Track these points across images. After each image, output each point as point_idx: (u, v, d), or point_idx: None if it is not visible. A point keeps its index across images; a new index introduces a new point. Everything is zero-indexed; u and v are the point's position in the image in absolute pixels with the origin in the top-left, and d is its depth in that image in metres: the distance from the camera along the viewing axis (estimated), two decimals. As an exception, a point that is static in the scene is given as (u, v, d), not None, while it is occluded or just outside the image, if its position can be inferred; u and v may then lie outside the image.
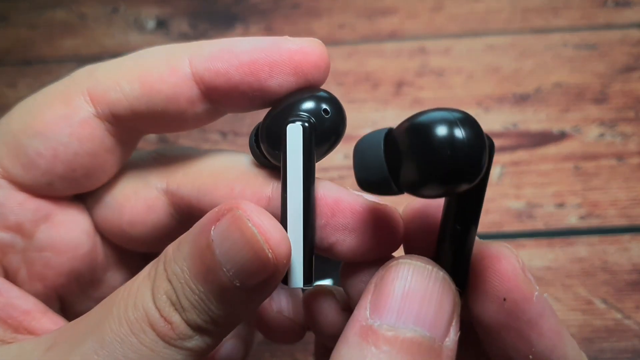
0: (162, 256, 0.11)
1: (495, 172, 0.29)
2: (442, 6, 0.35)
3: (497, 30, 0.34)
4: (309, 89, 0.13)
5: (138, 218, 0.14)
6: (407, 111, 0.31)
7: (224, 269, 0.10)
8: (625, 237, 0.26)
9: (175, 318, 0.11)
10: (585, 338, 0.24)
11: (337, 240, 0.12)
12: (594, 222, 0.27)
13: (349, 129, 0.34)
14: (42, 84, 0.37)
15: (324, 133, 0.13)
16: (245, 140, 0.31)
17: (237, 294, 0.11)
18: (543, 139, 0.29)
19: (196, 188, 0.13)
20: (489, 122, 0.30)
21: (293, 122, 0.13)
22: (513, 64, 0.32)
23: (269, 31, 0.35)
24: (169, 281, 0.11)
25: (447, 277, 0.10)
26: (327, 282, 0.24)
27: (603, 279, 0.25)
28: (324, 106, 0.13)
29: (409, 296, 0.10)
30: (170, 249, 0.11)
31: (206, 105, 0.14)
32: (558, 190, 0.28)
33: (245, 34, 0.35)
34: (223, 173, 0.14)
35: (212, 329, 0.11)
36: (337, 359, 0.10)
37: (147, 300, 0.11)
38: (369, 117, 0.31)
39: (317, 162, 0.13)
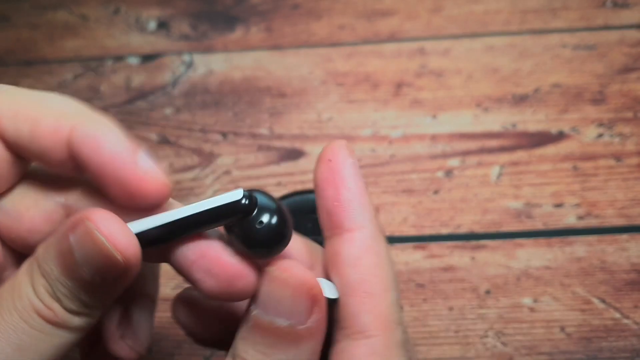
0: (35, 255, 0.13)
1: (494, 172, 0.29)
2: (442, 7, 0.35)
3: (496, 31, 0.34)
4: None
5: (37, 227, 0.14)
6: (406, 111, 0.31)
7: (84, 269, 0.13)
8: (624, 236, 0.26)
9: (55, 306, 0.13)
10: (583, 337, 0.24)
11: (200, 279, 0.13)
12: (592, 222, 0.27)
13: (348, 130, 0.34)
14: (44, 85, 0.38)
15: (257, 238, 0.13)
16: (245, 141, 0.31)
17: (100, 286, 0.13)
18: (542, 139, 0.30)
19: (92, 205, 0.14)
20: (488, 123, 0.30)
21: (246, 192, 0.13)
22: (512, 65, 0.32)
23: (269, 32, 0.35)
24: (44, 277, 0.13)
25: (303, 280, 0.13)
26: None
27: (601, 278, 0.25)
28: (265, 218, 0.13)
29: (278, 298, 0.13)
30: (40, 250, 0.13)
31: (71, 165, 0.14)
32: (557, 190, 0.28)
33: (246, 34, 0.36)
34: None
35: (87, 312, 0.13)
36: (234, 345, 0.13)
37: (29, 292, 0.13)
38: (369, 117, 0.31)
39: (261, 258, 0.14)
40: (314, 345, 0.13)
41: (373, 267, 0.13)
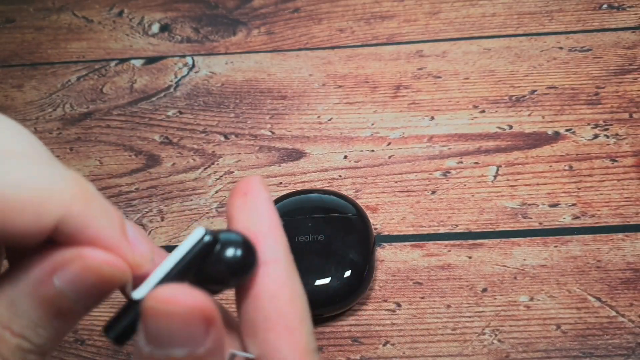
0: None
1: (490, 172, 0.29)
2: (439, 11, 0.36)
3: (492, 34, 0.34)
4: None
5: None
6: (404, 113, 0.32)
7: (76, 303, 0.12)
8: (619, 236, 0.27)
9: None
10: (579, 335, 0.24)
11: None
12: (587, 222, 0.27)
13: (348, 131, 0.34)
14: (48, 86, 0.38)
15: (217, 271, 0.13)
16: (247, 141, 0.32)
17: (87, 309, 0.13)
18: (538, 140, 0.30)
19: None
20: (484, 124, 0.31)
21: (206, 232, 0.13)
22: (508, 67, 0.33)
23: (270, 35, 0.36)
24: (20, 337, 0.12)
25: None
26: (325, 280, 0.25)
27: (597, 277, 0.26)
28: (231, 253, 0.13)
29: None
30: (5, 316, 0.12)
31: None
32: (552, 190, 0.28)
33: (247, 37, 0.36)
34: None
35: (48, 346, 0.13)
36: None
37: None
38: (368, 118, 0.32)
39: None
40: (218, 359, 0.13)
41: (289, 301, 0.14)
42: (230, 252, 0.13)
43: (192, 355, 0.12)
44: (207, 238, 0.13)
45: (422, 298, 0.26)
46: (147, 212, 0.30)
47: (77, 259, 0.12)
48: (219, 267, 0.13)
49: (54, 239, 0.12)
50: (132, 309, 0.13)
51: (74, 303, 0.13)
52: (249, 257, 0.13)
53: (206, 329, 0.12)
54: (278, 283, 0.13)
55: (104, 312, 0.27)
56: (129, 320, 0.13)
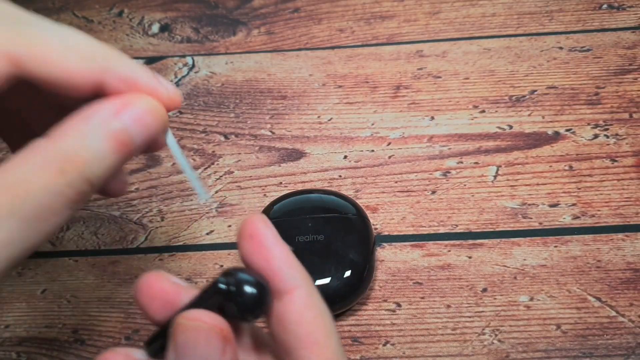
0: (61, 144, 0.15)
1: (490, 172, 0.29)
2: (439, 11, 0.36)
3: (492, 34, 0.34)
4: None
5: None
6: (404, 113, 0.32)
7: (137, 144, 0.16)
8: (619, 236, 0.27)
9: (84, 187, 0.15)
10: (579, 335, 0.24)
11: None
12: (587, 222, 0.27)
13: (348, 131, 0.34)
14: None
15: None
16: (247, 141, 0.32)
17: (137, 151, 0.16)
18: (538, 140, 0.30)
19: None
20: (484, 124, 0.31)
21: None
22: (508, 67, 0.33)
23: (270, 35, 0.36)
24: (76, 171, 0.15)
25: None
26: (325, 280, 0.25)
27: (597, 277, 0.26)
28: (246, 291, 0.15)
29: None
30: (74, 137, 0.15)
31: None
32: (552, 190, 0.28)
33: (247, 37, 0.36)
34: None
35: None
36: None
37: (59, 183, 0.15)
38: (368, 118, 0.32)
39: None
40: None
41: (314, 321, 0.15)
42: (245, 293, 0.15)
43: None
44: (222, 287, 0.15)
45: (422, 298, 0.26)
46: (147, 212, 0.30)
47: (139, 100, 0.15)
48: (237, 306, 0.15)
49: (103, 91, 0.15)
50: (166, 331, 0.15)
51: (132, 139, 0.15)
52: (262, 297, 0.15)
53: (224, 345, 0.14)
54: (302, 306, 0.15)
55: (103, 313, 0.27)
56: (163, 340, 0.15)
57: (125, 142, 0.15)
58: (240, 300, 0.15)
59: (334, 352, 0.15)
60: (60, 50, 0.15)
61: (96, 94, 0.15)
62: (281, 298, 0.15)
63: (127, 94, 0.15)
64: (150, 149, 0.17)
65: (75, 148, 0.14)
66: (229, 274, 0.15)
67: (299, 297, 0.15)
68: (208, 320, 0.14)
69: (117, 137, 0.15)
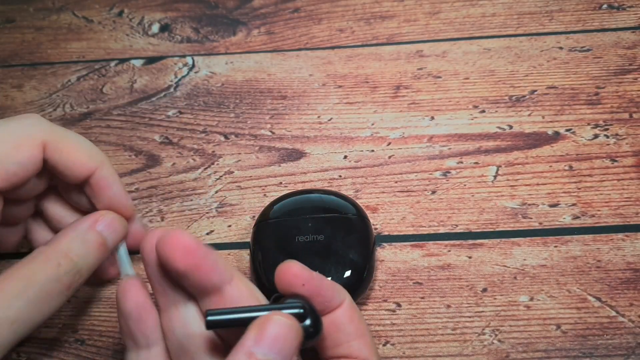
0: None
1: (490, 172, 0.29)
2: (439, 11, 0.36)
3: (492, 34, 0.34)
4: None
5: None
6: (404, 113, 0.32)
7: (108, 239, 0.24)
8: (619, 236, 0.27)
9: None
10: (579, 335, 0.24)
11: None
12: (587, 222, 0.27)
13: (348, 131, 0.34)
14: (48, 86, 0.38)
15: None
16: (247, 141, 0.32)
17: None
18: (538, 140, 0.30)
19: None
20: (484, 124, 0.31)
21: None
22: (508, 67, 0.33)
23: (270, 35, 0.36)
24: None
25: (298, 326, 0.18)
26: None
27: (597, 277, 0.26)
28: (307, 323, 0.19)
29: (276, 339, 0.17)
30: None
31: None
32: (552, 190, 0.28)
33: (247, 38, 0.36)
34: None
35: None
36: None
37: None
38: (368, 118, 0.32)
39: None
40: None
41: (360, 318, 0.20)
42: (318, 323, 0.18)
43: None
44: (301, 311, 0.18)
45: (422, 298, 0.26)
46: (147, 212, 0.30)
47: (108, 214, 0.23)
48: (306, 333, 0.18)
49: (88, 181, 0.23)
50: (241, 320, 0.18)
51: (107, 240, 0.22)
52: (321, 327, 0.19)
53: (297, 349, 0.18)
54: (350, 310, 0.20)
55: (103, 313, 0.27)
56: (230, 321, 0.18)
57: (102, 243, 0.22)
58: (312, 330, 0.18)
59: (372, 343, 0.20)
60: (75, 147, 0.22)
61: (84, 181, 0.23)
62: (335, 309, 0.20)
63: (100, 211, 0.23)
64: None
65: (68, 248, 0.21)
66: (296, 299, 0.18)
67: (347, 303, 0.20)
68: (297, 324, 0.18)
69: (96, 240, 0.22)
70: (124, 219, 0.24)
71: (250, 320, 0.17)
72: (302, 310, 0.18)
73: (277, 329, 0.17)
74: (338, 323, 0.19)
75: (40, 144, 0.21)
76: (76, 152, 0.22)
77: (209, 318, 0.17)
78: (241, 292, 0.19)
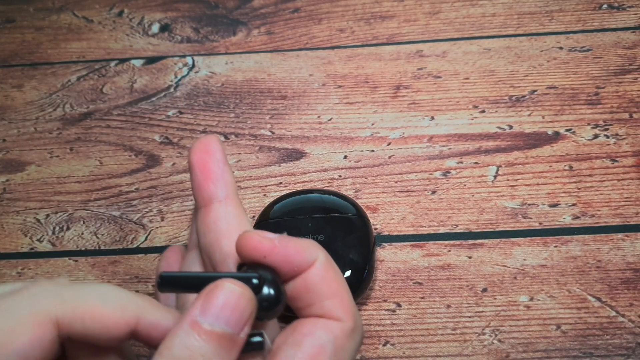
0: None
1: (490, 172, 0.29)
2: (439, 11, 0.36)
3: (492, 34, 0.34)
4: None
5: None
6: (404, 113, 0.32)
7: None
8: (619, 236, 0.27)
9: None
10: (579, 335, 0.24)
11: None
12: (587, 222, 0.27)
13: (348, 131, 0.34)
14: (48, 86, 0.38)
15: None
16: (247, 141, 0.32)
17: None
18: (538, 140, 0.30)
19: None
20: (484, 124, 0.31)
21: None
22: (508, 67, 0.33)
23: (270, 35, 0.36)
24: None
25: (250, 295, 0.16)
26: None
27: (597, 277, 0.26)
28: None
29: (224, 307, 0.16)
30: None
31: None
32: (552, 190, 0.28)
33: (247, 37, 0.36)
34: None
35: None
36: (170, 338, 0.16)
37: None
38: (368, 118, 0.32)
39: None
40: (236, 355, 0.16)
41: (335, 277, 0.18)
42: (268, 296, 0.16)
43: (232, 337, 0.16)
44: (255, 282, 0.16)
45: (422, 298, 0.26)
46: (147, 212, 0.30)
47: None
48: (259, 307, 0.16)
49: (137, 334, 0.17)
50: (193, 284, 0.17)
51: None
52: (280, 298, 0.17)
53: (247, 320, 0.16)
54: (323, 270, 0.18)
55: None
56: (181, 285, 0.17)
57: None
58: (268, 302, 0.16)
59: (349, 302, 0.18)
60: (98, 308, 0.17)
61: (130, 336, 0.18)
62: (304, 271, 0.18)
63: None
64: None
65: None
66: (251, 268, 0.17)
67: (320, 262, 0.18)
68: (250, 293, 0.16)
69: None
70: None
71: (202, 285, 0.16)
72: (257, 281, 0.16)
73: (226, 297, 0.16)
74: (308, 283, 0.18)
75: (48, 321, 0.16)
76: (103, 313, 0.17)
77: (163, 275, 0.17)
78: (228, 213, 0.18)
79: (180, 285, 0.17)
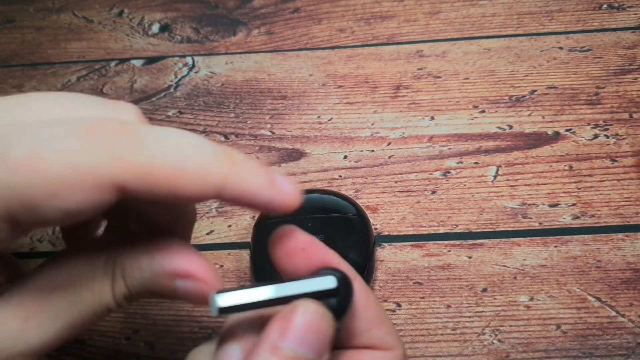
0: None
1: (490, 172, 0.29)
2: (439, 11, 0.36)
3: (492, 34, 0.34)
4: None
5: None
6: (404, 113, 0.32)
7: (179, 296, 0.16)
8: (619, 236, 0.27)
9: None
10: (579, 335, 0.24)
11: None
12: (587, 222, 0.27)
13: (348, 131, 0.34)
14: (48, 86, 0.38)
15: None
16: (247, 142, 0.32)
17: None
18: (538, 140, 0.30)
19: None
20: (484, 124, 0.31)
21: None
22: (508, 67, 0.33)
23: (270, 35, 0.36)
24: None
25: (330, 316, 0.15)
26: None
27: (597, 277, 0.26)
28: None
29: (306, 330, 0.14)
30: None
31: None
32: (552, 190, 0.28)
33: (247, 37, 0.36)
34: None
35: None
36: None
37: None
38: (368, 118, 0.32)
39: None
40: None
41: (376, 303, 0.17)
42: (351, 293, 0.16)
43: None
44: (335, 285, 0.15)
45: (422, 298, 0.26)
46: (147, 212, 0.30)
47: (195, 279, 0.16)
48: (338, 307, 0.15)
49: (220, 199, 0.15)
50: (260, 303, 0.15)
51: (177, 296, 0.16)
52: (351, 297, 0.16)
53: (329, 346, 0.15)
54: (365, 294, 0.17)
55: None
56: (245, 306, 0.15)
57: (168, 295, 0.16)
58: (344, 301, 0.15)
59: (392, 327, 0.17)
60: (171, 173, 0.14)
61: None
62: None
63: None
64: None
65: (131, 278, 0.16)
66: (328, 271, 0.16)
67: (360, 286, 0.17)
68: (329, 313, 0.15)
69: (164, 293, 0.16)
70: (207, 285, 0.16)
71: (271, 301, 0.14)
72: (335, 285, 0.15)
73: (307, 319, 0.14)
74: (353, 310, 0.16)
75: (109, 185, 0.13)
76: (178, 185, 0.14)
77: (220, 302, 0.14)
78: None
79: (244, 306, 0.15)
